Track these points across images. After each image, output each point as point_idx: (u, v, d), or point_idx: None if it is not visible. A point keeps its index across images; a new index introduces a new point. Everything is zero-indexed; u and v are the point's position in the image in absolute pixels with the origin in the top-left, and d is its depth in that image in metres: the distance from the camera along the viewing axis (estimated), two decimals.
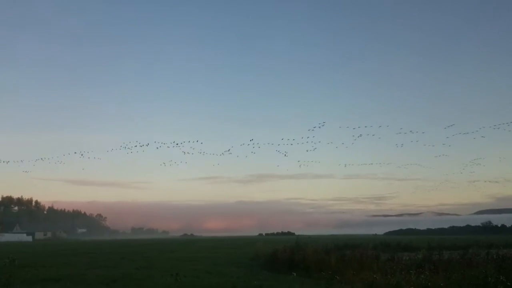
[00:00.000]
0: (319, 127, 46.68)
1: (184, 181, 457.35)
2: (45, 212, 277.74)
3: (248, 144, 51.08)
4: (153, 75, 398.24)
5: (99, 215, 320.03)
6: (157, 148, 48.77)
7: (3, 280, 7.94)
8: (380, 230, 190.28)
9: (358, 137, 51.35)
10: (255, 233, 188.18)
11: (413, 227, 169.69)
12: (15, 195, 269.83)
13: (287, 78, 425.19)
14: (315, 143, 53.59)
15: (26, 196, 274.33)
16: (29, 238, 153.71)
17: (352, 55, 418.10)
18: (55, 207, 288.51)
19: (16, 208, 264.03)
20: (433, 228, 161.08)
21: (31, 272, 20.59)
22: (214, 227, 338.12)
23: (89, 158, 67.87)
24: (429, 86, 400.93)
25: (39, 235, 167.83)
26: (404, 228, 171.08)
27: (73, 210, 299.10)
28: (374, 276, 14.04)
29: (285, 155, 55.93)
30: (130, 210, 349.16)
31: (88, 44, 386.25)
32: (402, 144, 62.86)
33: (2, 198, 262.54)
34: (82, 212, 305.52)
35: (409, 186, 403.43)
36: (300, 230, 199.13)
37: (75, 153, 67.05)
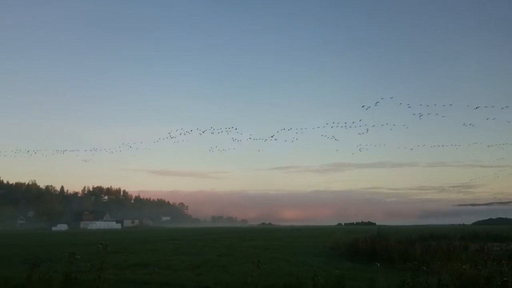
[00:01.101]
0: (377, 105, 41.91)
1: (260, 171, 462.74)
2: (132, 201, 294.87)
3: (290, 129, 48.98)
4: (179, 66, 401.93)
5: (181, 204, 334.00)
6: (200, 134, 49.00)
7: (98, 264, 8.47)
8: (467, 220, 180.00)
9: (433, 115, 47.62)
10: (333, 222, 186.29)
11: (504, 216, 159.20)
12: (105, 185, 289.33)
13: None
14: (371, 126, 50.66)
15: (114, 186, 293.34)
16: (118, 226, 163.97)
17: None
18: (141, 196, 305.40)
19: (106, 197, 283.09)
20: None
21: (121, 258, 21.87)
22: (291, 217, 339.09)
23: (137, 149, 72.71)
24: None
25: (127, 223, 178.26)
26: (494, 217, 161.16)
27: (157, 199, 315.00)
28: (463, 267, 13.33)
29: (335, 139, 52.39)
30: (209, 199, 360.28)
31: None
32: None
33: (93, 188, 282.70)
34: (166, 201, 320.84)
35: (499, 173, 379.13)
36: (381, 220, 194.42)
37: (123, 144, 70.95)
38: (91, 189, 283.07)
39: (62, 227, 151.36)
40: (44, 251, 27.19)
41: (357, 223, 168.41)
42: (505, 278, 11.20)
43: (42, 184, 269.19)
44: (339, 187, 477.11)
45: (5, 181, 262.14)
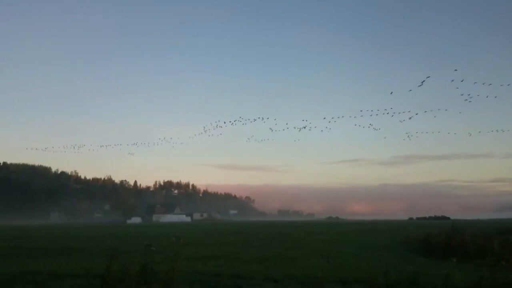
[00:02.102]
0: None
1: (325, 164, 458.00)
2: (200, 194, 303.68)
3: (324, 118, 46.05)
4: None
5: (248, 198, 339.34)
6: (243, 124, 47.96)
7: (171, 256, 8.76)
8: None
9: None
10: (403, 217, 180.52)
11: None
12: (174, 179, 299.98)
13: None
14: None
15: (183, 180, 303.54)
16: (188, 219, 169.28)
17: None
18: (209, 190, 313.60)
19: (175, 191, 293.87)
20: None
21: (192, 250, 22.52)
22: (358, 210, 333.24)
23: (175, 143, 74.47)
24: None
25: (196, 216, 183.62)
26: None
27: (224, 193, 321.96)
28: None
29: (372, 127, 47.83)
30: (275, 193, 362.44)
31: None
32: None
33: (164, 182, 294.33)
34: (233, 194, 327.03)
35: None
36: (455, 214, 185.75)
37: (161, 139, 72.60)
38: (162, 183, 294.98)
39: (136, 220, 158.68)
40: (121, 243, 28.63)
41: (430, 218, 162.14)
42: None
43: (117, 179, 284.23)
44: (409, 180, 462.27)
45: (82, 177, 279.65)
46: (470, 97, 40.79)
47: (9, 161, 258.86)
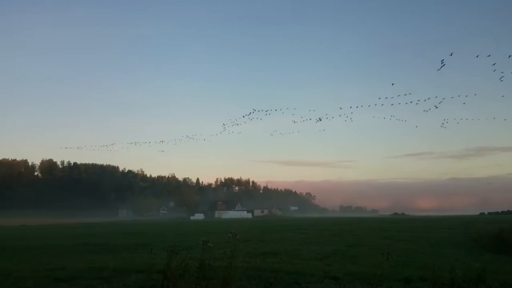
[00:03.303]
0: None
1: (390, 158, 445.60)
2: (261, 191, 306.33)
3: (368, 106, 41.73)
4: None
5: (308, 194, 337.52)
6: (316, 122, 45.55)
7: (229, 252, 8.78)
8: None
9: None
10: (474, 212, 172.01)
11: None
12: (235, 176, 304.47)
13: None
14: None
15: (244, 177, 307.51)
16: (249, 215, 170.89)
17: None
18: (269, 187, 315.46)
19: (236, 188, 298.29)
20: None
21: (252, 246, 22.62)
22: (425, 206, 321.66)
23: (197, 140, 75.14)
24: None
25: (257, 212, 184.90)
26: None
27: (284, 189, 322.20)
28: None
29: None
30: (336, 189, 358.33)
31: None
32: None
33: (225, 179, 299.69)
34: (293, 191, 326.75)
35: None
36: None
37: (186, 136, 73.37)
38: (223, 180, 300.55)
39: (199, 216, 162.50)
40: (183, 239, 29.33)
41: (503, 212, 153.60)
42: None
43: (180, 176, 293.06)
44: (481, 173, 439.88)
45: (148, 175, 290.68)
46: None
47: (79, 161, 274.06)
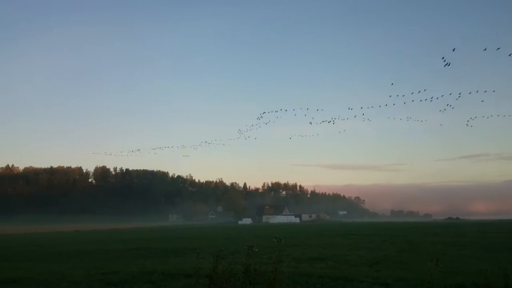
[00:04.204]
0: None
1: (442, 161, 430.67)
2: (308, 195, 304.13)
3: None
4: None
5: (357, 198, 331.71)
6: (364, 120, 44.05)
7: (274, 257, 8.77)
8: None
9: None
10: None
11: None
12: (282, 181, 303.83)
13: None
14: None
15: (291, 181, 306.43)
16: (297, 220, 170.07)
17: None
18: (317, 191, 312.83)
19: (283, 192, 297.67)
20: None
21: (299, 251, 22.50)
22: (481, 210, 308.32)
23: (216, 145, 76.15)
24: None
25: (305, 217, 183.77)
26: None
27: (332, 193, 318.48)
28: None
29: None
30: (386, 193, 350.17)
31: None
32: None
33: (272, 184, 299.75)
34: (341, 195, 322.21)
35: None
36: None
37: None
38: (270, 184, 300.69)
39: (247, 220, 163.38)
40: (231, 243, 29.59)
41: None
42: None
43: (227, 181, 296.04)
44: None
45: (197, 180, 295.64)
46: None
47: (131, 167, 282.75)
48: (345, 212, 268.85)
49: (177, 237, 45.68)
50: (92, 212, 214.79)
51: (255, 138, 62.42)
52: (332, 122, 43.22)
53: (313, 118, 44.18)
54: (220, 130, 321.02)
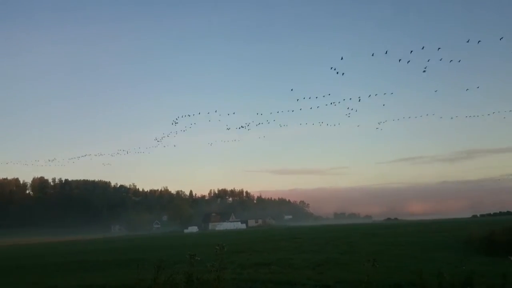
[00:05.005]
0: None
1: (381, 164, 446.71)
2: (254, 201, 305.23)
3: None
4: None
5: (302, 202, 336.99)
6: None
7: (216, 265, 8.74)
8: None
9: None
10: (466, 215, 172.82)
11: None
12: (229, 187, 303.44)
13: None
14: None
15: (237, 188, 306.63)
16: (243, 226, 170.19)
17: None
18: (263, 196, 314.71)
19: (230, 199, 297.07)
20: None
21: (245, 257, 22.55)
22: (418, 211, 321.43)
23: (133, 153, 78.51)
24: None
25: (251, 223, 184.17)
26: None
27: (278, 198, 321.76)
28: None
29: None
30: (330, 196, 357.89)
31: None
32: None
33: (219, 191, 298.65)
34: (287, 199, 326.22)
35: None
36: None
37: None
38: (216, 191, 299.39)
39: (193, 229, 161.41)
40: (175, 253, 29.15)
41: (495, 214, 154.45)
42: None
43: (173, 189, 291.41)
44: (473, 176, 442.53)
45: (141, 189, 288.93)
46: None
47: (70, 178, 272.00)
48: (290, 217, 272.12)
49: (119, 248, 44.43)
50: (31, 225, 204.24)
51: (174, 146, 62.62)
52: (247, 128, 44.14)
53: (226, 125, 45.74)
54: (136, 137, 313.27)
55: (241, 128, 45.91)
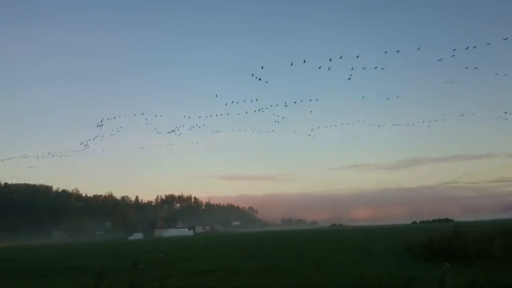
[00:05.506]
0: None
1: (328, 170, 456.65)
2: (203, 207, 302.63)
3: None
4: None
5: (251, 208, 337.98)
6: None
7: (160, 272, 8.55)
8: None
9: None
10: (407, 221, 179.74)
11: None
12: (176, 193, 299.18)
13: None
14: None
15: (185, 193, 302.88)
16: (190, 232, 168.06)
17: None
18: (211, 202, 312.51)
19: (178, 205, 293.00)
20: None
21: (191, 264, 22.20)
22: (362, 217, 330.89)
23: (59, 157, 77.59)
24: None
25: (198, 229, 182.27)
26: None
27: (227, 204, 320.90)
28: None
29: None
30: (278, 202, 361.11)
31: None
32: None
33: (166, 196, 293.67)
34: (235, 205, 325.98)
35: None
36: (459, 216, 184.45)
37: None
38: (163, 197, 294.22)
39: (138, 236, 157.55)
40: (119, 261, 28.27)
41: (434, 221, 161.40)
42: None
43: (118, 195, 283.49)
44: (413, 184, 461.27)
45: (83, 194, 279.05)
46: None
47: (10, 181, 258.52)
48: (238, 223, 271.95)
49: (60, 255, 42.62)
50: None
51: (103, 151, 60.63)
52: (177, 132, 43.88)
53: (155, 128, 45.13)
54: (63, 140, 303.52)
55: (172, 132, 45.16)
